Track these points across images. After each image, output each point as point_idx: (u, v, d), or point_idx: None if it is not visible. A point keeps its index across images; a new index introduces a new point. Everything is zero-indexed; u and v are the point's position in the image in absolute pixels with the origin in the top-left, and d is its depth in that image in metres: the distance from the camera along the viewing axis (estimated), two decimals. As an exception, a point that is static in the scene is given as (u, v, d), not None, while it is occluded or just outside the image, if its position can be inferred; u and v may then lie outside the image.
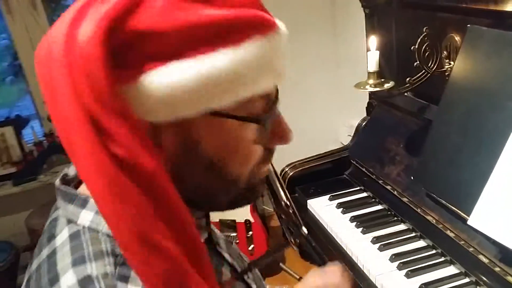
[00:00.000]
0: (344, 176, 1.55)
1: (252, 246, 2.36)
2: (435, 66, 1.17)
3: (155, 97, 0.46)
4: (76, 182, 0.59)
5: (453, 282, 1.04)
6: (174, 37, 0.46)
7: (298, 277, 2.37)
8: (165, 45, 0.46)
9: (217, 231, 0.75)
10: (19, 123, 2.50)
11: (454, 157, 1.05)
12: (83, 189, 0.56)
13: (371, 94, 1.52)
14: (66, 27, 0.45)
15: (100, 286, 0.47)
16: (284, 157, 1.56)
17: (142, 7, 0.45)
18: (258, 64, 0.50)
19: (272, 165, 0.68)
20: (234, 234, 2.38)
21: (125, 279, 0.50)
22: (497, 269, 0.98)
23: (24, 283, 0.55)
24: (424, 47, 1.14)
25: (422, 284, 1.03)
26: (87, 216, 0.53)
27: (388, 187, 1.33)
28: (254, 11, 0.50)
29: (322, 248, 1.30)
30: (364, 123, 1.55)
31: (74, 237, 0.53)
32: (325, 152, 1.58)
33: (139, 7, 0.45)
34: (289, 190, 1.54)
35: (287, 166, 1.55)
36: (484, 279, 0.99)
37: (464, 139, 1.02)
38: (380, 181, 1.36)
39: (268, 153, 0.58)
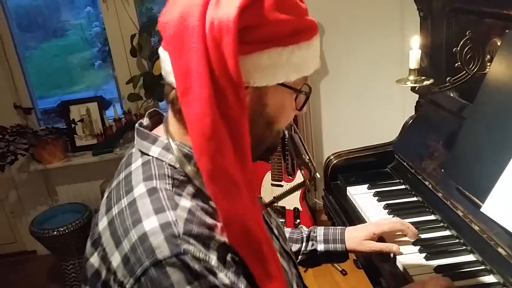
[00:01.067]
0: (387, 169, 1.64)
1: (298, 233, 2.49)
2: (476, 68, 1.24)
3: (258, 69, 0.68)
4: (150, 128, 0.80)
5: (469, 268, 1.11)
6: (277, 29, 0.68)
7: (340, 269, 2.46)
8: (273, 33, 0.67)
9: None
10: (102, 101, 2.82)
11: (479, 153, 1.12)
12: (155, 132, 0.78)
13: (420, 94, 1.60)
14: (202, 3, 0.65)
15: (162, 194, 0.68)
16: (339, 147, 1.68)
17: (260, 2, 0.66)
18: (314, 55, 0.73)
19: (297, 130, 0.87)
20: (283, 220, 2.53)
21: (179, 195, 0.70)
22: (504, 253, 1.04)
23: (105, 204, 0.75)
24: (466, 49, 1.22)
25: (438, 265, 1.12)
26: (156, 150, 0.75)
27: (424, 181, 1.40)
28: (311, 18, 0.73)
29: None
30: (410, 121, 1.63)
31: (145, 163, 0.74)
32: (371, 146, 1.68)
33: (259, 2, 0.66)
34: (332, 177, 1.66)
35: (332, 154, 1.67)
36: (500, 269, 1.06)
37: (489, 137, 1.09)
38: (418, 175, 1.44)
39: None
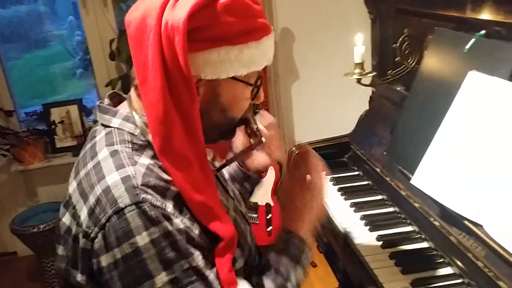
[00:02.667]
0: (344, 158, 1.78)
1: (270, 228, 2.62)
2: (414, 63, 1.39)
3: (208, 64, 0.80)
4: (111, 106, 0.92)
5: (407, 236, 1.26)
6: (226, 30, 0.79)
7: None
8: (222, 33, 0.78)
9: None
10: (82, 104, 2.91)
11: (415, 135, 1.27)
12: (116, 108, 0.89)
13: (372, 88, 1.75)
14: (159, 7, 0.77)
15: (123, 155, 0.81)
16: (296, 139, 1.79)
17: (211, 6, 0.78)
18: (263, 53, 0.85)
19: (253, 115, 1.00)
20: (255, 215, 2.65)
21: (138, 155, 0.82)
22: (444, 230, 1.18)
23: (74, 179, 0.86)
24: (404, 45, 1.37)
25: (379, 235, 1.26)
26: (117, 121, 0.87)
27: (375, 167, 1.55)
28: (264, 20, 0.84)
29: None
30: (364, 114, 1.78)
31: (108, 133, 0.86)
32: (329, 138, 1.82)
33: (210, 5, 0.78)
34: (295, 166, 1.79)
35: (294, 146, 1.80)
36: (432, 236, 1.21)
37: (421, 120, 1.25)
38: (369, 161, 1.59)
39: (250, 107, 0.94)
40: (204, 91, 0.83)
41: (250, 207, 2.64)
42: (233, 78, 0.83)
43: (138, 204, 0.75)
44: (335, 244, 1.33)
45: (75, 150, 2.79)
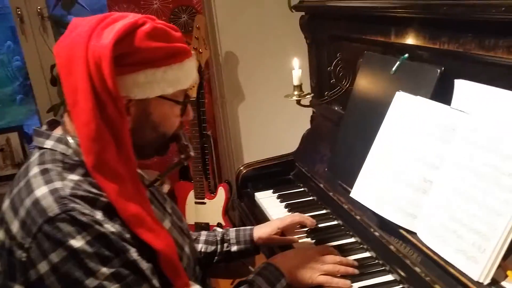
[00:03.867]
0: (290, 176, 1.85)
1: (222, 247, 2.63)
2: (348, 84, 1.49)
3: (136, 85, 0.87)
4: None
5: (351, 246, 1.34)
6: (150, 54, 0.87)
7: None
8: (146, 57, 0.86)
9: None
10: (23, 132, 2.83)
11: (352, 150, 1.36)
12: (53, 132, 0.93)
13: (313, 109, 1.85)
14: (86, 36, 0.83)
15: (52, 172, 0.85)
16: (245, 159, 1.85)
17: (133, 34, 0.85)
18: (187, 73, 0.94)
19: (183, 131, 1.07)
20: (207, 236, 2.66)
21: (68, 174, 0.86)
22: (383, 240, 1.26)
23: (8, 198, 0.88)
24: (338, 68, 1.47)
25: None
26: (49, 143, 0.91)
27: (318, 183, 1.63)
28: (183, 44, 0.93)
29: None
30: (306, 133, 1.87)
31: (41, 154, 0.90)
32: (275, 156, 1.89)
33: (132, 33, 0.85)
34: (243, 185, 1.84)
35: (242, 165, 1.86)
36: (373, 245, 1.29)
37: (357, 136, 1.34)
38: (313, 178, 1.67)
39: (181, 124, 1.01)
40: (135, 110, 0.90)
41: (201, 227, 2.65)
42: (162, 97, 0.92)
43: (67, 212, 0.79)
44: (276, 249, 1.38)
45: (17, 180, 2.70)
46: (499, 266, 0.92)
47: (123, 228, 0.85)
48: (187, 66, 0.94)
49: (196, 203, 2.66)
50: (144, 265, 0.85)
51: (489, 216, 0.94)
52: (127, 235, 0.85)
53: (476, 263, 0.93)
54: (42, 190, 0.82)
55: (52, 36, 2.71)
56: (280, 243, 1.36)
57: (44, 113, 2.78)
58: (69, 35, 0.87)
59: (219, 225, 2.63)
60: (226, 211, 2.65)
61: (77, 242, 0.78)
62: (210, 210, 2.65)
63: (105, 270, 0.80)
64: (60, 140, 0.90)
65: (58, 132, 0.93)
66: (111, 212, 0.84)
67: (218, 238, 1.34)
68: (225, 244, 1.33)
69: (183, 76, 0.93)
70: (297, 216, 1.40)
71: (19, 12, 2.61)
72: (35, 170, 0.87)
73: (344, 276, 1.18)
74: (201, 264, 1.20)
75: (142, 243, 0.86)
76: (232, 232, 1.35)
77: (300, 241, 1.38)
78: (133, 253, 0.84)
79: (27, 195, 0.83)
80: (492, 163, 0.96)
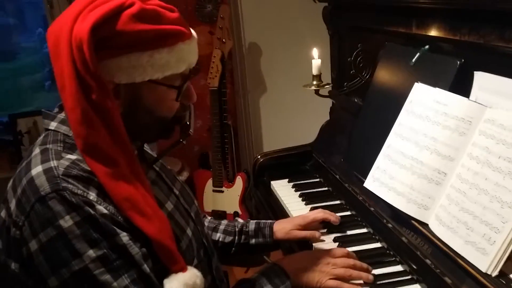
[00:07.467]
0: (306, 166, 1.86)
1: (238, 236, 2.66)
2: (368, 75, 1.49)
3: (119, 69, 0.85)
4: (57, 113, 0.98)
5: (363, 237, 1.34)
6: (135, 37, 0.85)
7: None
8: (130, 41, 0.83)
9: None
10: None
11: (369, 142, 1.36)
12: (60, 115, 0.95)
13: (333, 100, 1.85)
14: (72, 19, 0.84)
15: (50, 152, 0.87)
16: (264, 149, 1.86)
17: (117, 17, 0.84)
18: (178, 57, 0.90)
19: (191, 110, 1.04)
20: (224, 223, 2.69)
21: (67, 153, 0.87)
22: (395, 231, 1.26)
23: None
24: (359, 59, 1.47)
25: (336, 236, 1.34)
26: (54, 124, 0.92)
27: (334, 174, 1.63)
28: (178, 27, 0.89)
29: (274, 216, 1.61)
30: (325, 124, 1.87)
31: (45, 135, 0.92)
32: (293, 146, 1.90)
33: (116, 16, 0.84)
34: (259, 174, 1.86)
35: (259, 154, 1.88)
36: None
37: (374, 128, 1.34)
38: (329, 169, 1.67)
39: (183, 106, 0.99)
40: (125, 94, 0.89)
41: (219, 215, 2.69)
42: (152, 81, 0.88)
43: (58, 191, 0.80)
44: (294, 245, 1.39)
45: (43, 161, 2.78)
46: (508, 258, 0.91)
47: (117, 210, 0.85)
48: (180, 49, 0.88)
49: (214, 191, 2.69)
50: (135, 250, 0.84)
51: (501, 209, 0.93)
52: (120, 218, 0.85)
53: (485, 255, 0.93)
54: (38, 169, 0.84)
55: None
56: (300, 238, 1.31)
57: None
58: (59, 19, 0.86)
59: (235, 213, 2.66)
60: (243, 200, 2.67)
61: (65, 223, 0.79)
62: (228, 198, 2.68)
63: (91, 252, 0.80)
64: (63, 122, 0.91)
65: (64, 114, 0.93)
66: (106, 192, 0.85)
67: (237, 229, 1.31)
68: (243, 236, 1.30)
69: (174, 60, 0.88)
70: (320, 213, 1.34)
71: (50, -1, 2.69)
72: (36, 150, 0.89)
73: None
74: (218, 253, 1.17)
75: (135, 227, 0.85)
76: (252, 224, 1.32)
77: (321, 237, 1.34)
78: (123, 237, 0.83)
79: (24, 174, 0.85)
80: (508, 156, 0.96)
